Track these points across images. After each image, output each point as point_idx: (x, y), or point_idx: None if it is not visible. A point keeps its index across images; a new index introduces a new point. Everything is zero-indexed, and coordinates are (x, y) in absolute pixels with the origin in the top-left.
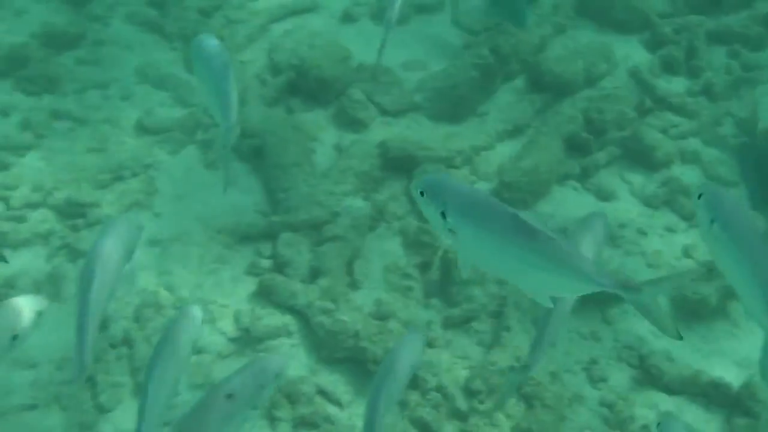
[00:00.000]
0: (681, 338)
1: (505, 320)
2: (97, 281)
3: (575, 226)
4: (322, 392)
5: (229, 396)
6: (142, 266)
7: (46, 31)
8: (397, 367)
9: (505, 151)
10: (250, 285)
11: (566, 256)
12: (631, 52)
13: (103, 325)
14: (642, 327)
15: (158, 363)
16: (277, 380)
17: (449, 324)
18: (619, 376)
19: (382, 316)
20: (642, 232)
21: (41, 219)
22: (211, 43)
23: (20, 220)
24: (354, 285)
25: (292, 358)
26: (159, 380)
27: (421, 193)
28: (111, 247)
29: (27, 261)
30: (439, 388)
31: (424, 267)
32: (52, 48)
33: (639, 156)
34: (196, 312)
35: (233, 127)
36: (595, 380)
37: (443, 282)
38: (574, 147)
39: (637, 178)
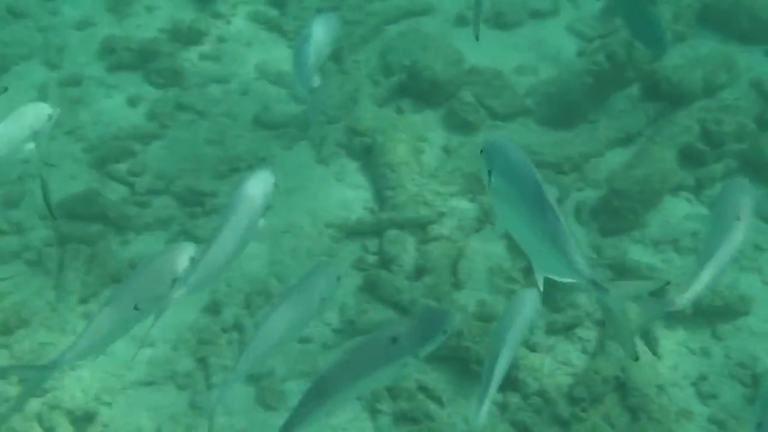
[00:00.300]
0: (637, 358)
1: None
2: (228, 230)
3: (719, 197)
4: (424, 389)
5: (394, 339)
6: (254, 255)
7: (173, 26)
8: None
9: (615, 159)
10: (356, 279)
11: (560, 238)
12: (754, 62)
13: (216, 310)
14: (757, 345)
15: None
16: (443, 336)
17: (552, 329)
18: (731, 395)
19: (485, 317)
20: (759, 248)
21: (163, 205)
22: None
23: (144, 205)
24: (458, 285)
25: None
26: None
27: (482, 151)
28: (247, 200)
29: (149, 244)
30: (541, 393)
31: (528, 271)
32: (178, 43)
33: (758, 169)
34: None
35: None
36: (705, 396)
37: (547, 287)
38: (689, 158)
39: (755, 192)
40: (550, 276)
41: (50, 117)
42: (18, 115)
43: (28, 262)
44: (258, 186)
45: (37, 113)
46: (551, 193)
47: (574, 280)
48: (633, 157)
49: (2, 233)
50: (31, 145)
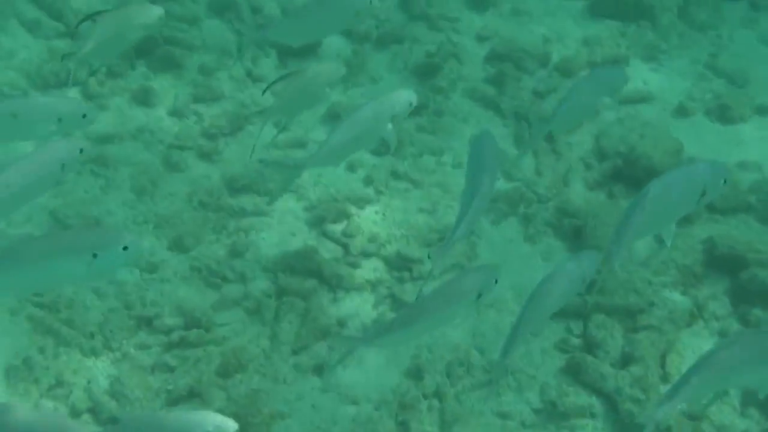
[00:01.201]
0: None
1: None
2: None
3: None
4: None
5: None
6: (458, 325)
7: None
8: None
9: None
10: (558, 360)
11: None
12: None
13: (418, 375)
14: None
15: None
16: None
17: None
18: None
19: (694, 415)
20: None
21: (373, 268)
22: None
23: (355, 266)
24: (666, 378)
25: None
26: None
27: None
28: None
29: (357, 304)
30: None
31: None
32: None
33: None
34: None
35: None
36: None
37: None
38: None
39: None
40: None
41: (411, 105)
42: (383, 98)
43: (247, 310)
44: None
45: (399, 99)
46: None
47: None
48: None
49: (226, 281)
50: (389, 127)
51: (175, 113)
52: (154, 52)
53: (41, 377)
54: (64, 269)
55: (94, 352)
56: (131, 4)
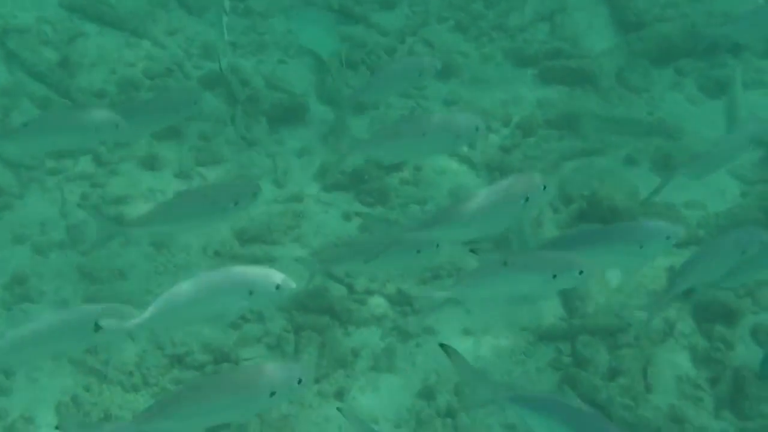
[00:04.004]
0: None
1: None
2: None
3: None
4: None
5: None
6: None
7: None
8: None
9: None
10: (552, 377)
11: None
12: None
13: (430, 396)
14: None
15: None
16: None
17: None
18: None
19: (677, 419)
20: None
21: (376, 304)
22: None
23: (362, 302)
24: (649, 389)
25: None
26: None
27: None
28: None
29: (366, 336)
30: None
31: (714, 381)
32: (383, 170)
33: None
34: None
35: None
36: None
37: (735, 397)
38: None
39: None
40: None
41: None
42: None
43: (268, 346)
44: None
45: None
46: None
47: None
48: None
49: (246, 321)
50: None
51: (181, 175)
52: None
53: (91, 412)
54: None
55: (134, 388)
56: None
